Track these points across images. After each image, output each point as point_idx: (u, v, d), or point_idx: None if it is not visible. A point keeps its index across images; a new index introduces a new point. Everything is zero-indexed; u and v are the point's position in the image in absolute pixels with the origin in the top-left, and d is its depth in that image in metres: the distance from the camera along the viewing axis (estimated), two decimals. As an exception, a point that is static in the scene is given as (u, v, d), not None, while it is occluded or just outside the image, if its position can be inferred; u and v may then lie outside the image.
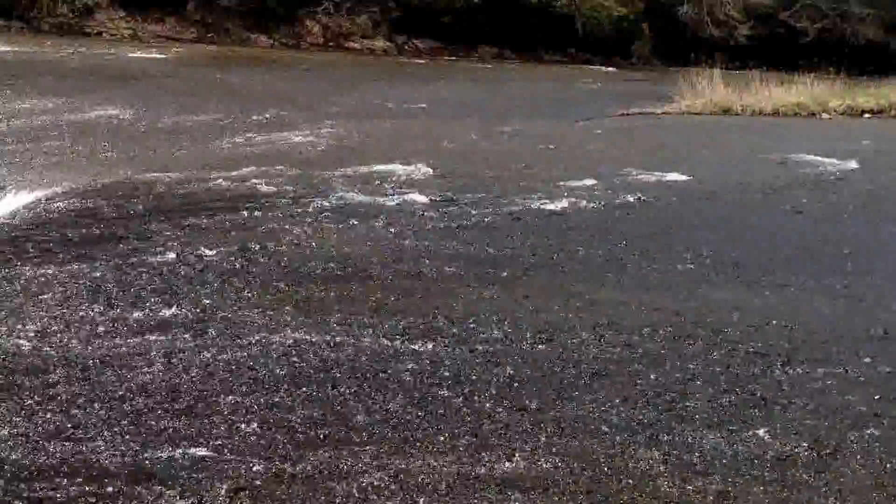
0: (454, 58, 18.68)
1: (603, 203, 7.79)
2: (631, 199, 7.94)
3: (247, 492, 3.36)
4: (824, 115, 13.86)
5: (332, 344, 4.69)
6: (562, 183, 8.40)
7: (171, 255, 6.08)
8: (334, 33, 20.64)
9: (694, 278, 5.90)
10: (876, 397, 4.21)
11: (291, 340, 4.72)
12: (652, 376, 4.41)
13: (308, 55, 18.09)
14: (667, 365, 4.53)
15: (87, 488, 3.36)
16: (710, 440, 3.80)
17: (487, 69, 17.81)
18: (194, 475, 3.46)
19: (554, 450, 3.69)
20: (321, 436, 3.77)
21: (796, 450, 3.71)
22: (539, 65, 18.09)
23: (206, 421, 3.89)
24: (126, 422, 3.84)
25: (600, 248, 6.52)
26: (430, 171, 8.81)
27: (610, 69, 18.17)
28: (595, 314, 5.18)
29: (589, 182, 8.47)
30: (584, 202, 7.80)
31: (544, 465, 3.57)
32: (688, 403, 4.14)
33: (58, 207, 7.59)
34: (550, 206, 7.64)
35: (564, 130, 11.47)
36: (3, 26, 23.88)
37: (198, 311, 5.11)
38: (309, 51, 18.37)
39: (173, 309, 5.10)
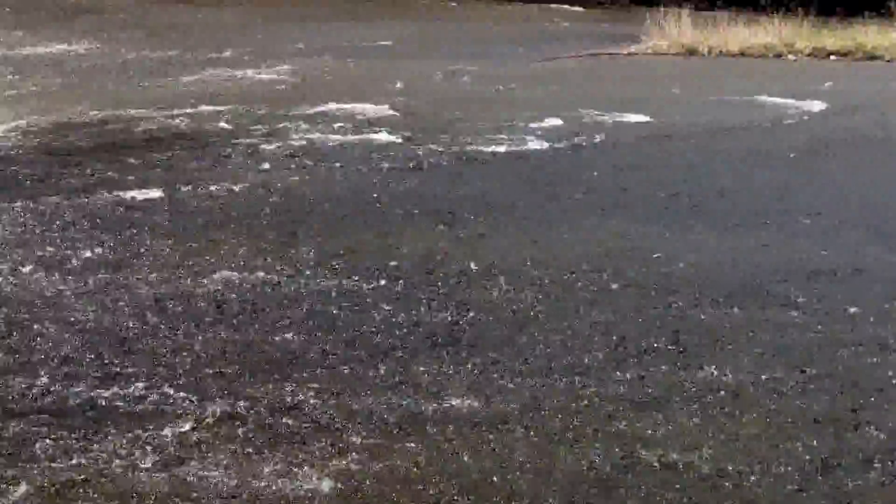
0: (421, -5, 18.45)
1: (562, 144, 7.79)
2: (589, 141, 7.94)
3: (199, 431, 3.37)
4: (790, 57, 13.84)
5: (280, 283, 4.70)
6: (523, 124, 8.38)
7: (122, 194, 6.03)
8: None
9: (645, 219, 5.93)
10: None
11: (242, 279, 4.72)
12: (593, 316, 4.46)
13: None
14: (609, 305, 4.58)
15: (30, 426, 3.35)
16: (656, 378, 3.85)
17: (453, 7, 17.60)
18: (139, 414, 3.47)
19: (504, 390, 3.73)
20: (265, 375, 3.79)
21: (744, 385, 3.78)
22: (506, 4, 17.87)
23: (146, 360, 3.89)
24: (60, 360, 3.84)
25: (557, 189, 6.53)
26: (391, 111, 8.76)
27: (577, 9, 17.98)
28: (542, 253, 5.21)
29: (550, 123, 8.45)
30: (544, 143, 7.79)
31: (496, 405, 3.60)
32: (630, 342, 4.20)
33: (8, 144, 7.49)
34: (511, 148, 7.63)
35: (529, 71, 11.40)
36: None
37: (140, 249, 5.09)
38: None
39: (117, 247, 5.09)
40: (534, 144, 7.74)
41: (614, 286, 4.79)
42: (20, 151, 7.25)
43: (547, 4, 17.89)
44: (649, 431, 3.46)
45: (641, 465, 3.26)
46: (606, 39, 14.24)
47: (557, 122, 8.47)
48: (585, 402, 3.67)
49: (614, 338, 4.23)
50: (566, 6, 17.93)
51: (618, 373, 3.90)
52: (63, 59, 11.06)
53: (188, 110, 8.52)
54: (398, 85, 10.00)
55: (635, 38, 14.05)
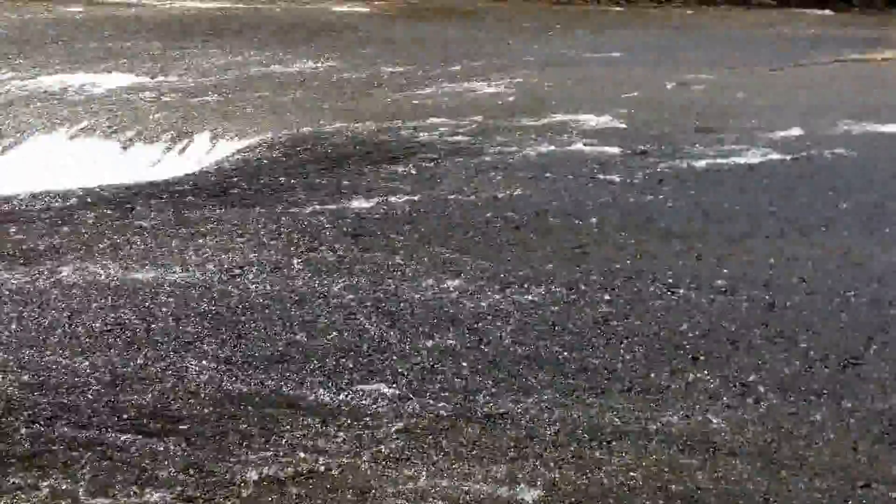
0: (654, 4, 18.06)
1: (800, 157, 7.35)
2: (834, 153, 7.43)
3: (419, 431, 3.41)
4: None
5: (500, 293, 4.69)
6: (761, 135, 7.98)
7: (358, 203, 6.24)
8: (533, -18, 20.35)
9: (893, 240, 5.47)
10: None
11: (459, 289, 4.75)
12: (823, 336, 4.13)
13: (501, 4, 18.01)
14: (842, 326, 4.24)
15: (278, 417, 3.51)
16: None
17: (690, 15, 17.11)
18: (373, 411, 3.56)
19: (723, 407, 3.54)
20: (487, 381, 3.79)
21: None
22: (748, 10, 17.15)
23: (379, 360, 3.98)
24: (302, 358, 3.98)
25: (792, 205, 6.16)
26: (619, 121, 8.59)
27: (825, 12, 16.99)
28: (764, 270, 4.92)
29: (791, 133, 8.00)
30: (783, 155, 7.39)
31: (713, 423, 3.43)
32: (868, 366, 3.86)
33: (262, 154, 7.99)
34: (746, 160, 7.28)
35: (770, 79, 10.87)
36: (221, -16, 25.21)
37: (371, 256, 5.23)
38: (503, 0, 18.30)
39: (351, 253, 5.25)
40: (770, 156, 7.34)
41: (849, 307, 4.43)
42: (264, 163, 7.70)
43: (790, 9, 17.02)
44: (888, 465, 3.15)
45: (880, 501, 2.97)
46: (857, 45, 13.34)
47: (798, 132, 8.00)
48: (810, 426, 3.40)
49: (847, 360, 3.91)
50: (812, 10, 16.98)
51: (852, 398, 3.59)
52: (308, 76, 11.65)
53: (416, 123, 8.74)
54: (626, 95, 9.81)
55: (892, 42, 13.09)
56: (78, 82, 10.68)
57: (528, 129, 8.37)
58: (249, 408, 3.59)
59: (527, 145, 7.79)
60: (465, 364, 3.97)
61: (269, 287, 4.79)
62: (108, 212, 6.06)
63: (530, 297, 4.65)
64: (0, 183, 7.92)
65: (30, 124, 9.24)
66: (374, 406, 3.62)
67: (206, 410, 3.57)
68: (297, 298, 4.65)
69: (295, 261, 5.15)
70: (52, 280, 4.84)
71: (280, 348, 4.12)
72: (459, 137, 8.17)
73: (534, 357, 4.02)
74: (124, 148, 8.98)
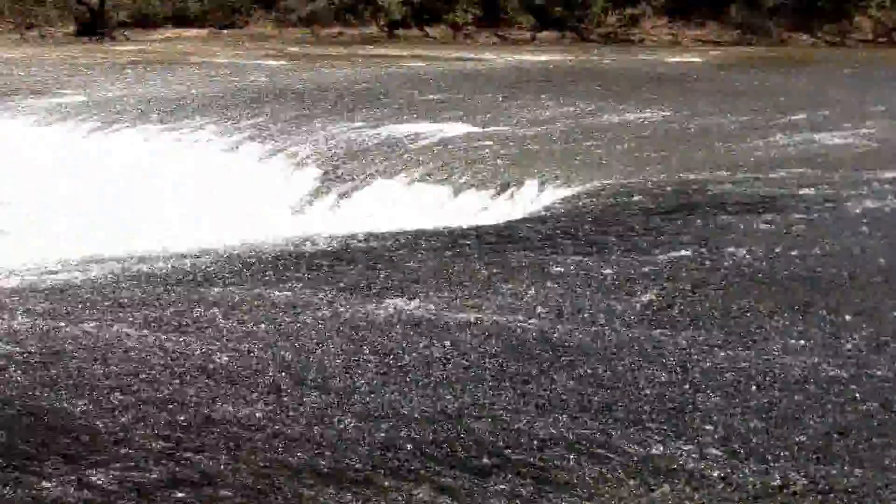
0: None
1: None
2: None
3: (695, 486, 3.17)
4: None
5: (849, 363, 4.21)
6: None
7: (684, 253, 5.96)
8: (886, 28, 18.93)
9: None
10: None
11: (801, 352, 4.34)
12: None
13: (853, 53, 16.84)
14: None
15: (589, 465, 3.39)
16: None
17: None
18: (651, 468, 3.38)
19: None
20: (767, 451, 3.41)
21: None
22: None
23: (673, 418, 3.74)
24: (616, 408, 3.79)
25: None
26: None
27: None
28: None
29: None
30: None
31: None
32: None
33: (588, 203, 7.91)
34: None
35: None
36: (557, 37, 25.92)
37: (698, 311, 4.93)
38: (855, 48, 17.08)
39: (676, 309, 4.97)
40: None
41: None
42: (588, 211, 7.61)
43: None
44: None
45: None
46: None
47: None
48: None
49: None
50: None
51: None
52: (638, 126, 11.51)
53: (755, 175, 8.27)
54: None
55: None
56: (416, 131, 11.26)
57: (881, 182, 7.63)
58: (566, 453, 3.47)
59: (874, 200, 7.09)
60: (788, 431, 3.60)
61: (585, 335, 4.63)
62: (437, 253, 6.21)
63: (827, 369, 4.14)
64: (342, 222, 8.46)
65: (373, 170, 9.83)
66: (686, 464, 3.36)
67: (524, 453, 3.47)
68: (616, 348, 4.45)
69: (612, 310, 4.96)
70: (381, 314, 4.99)
71: (595, 397, 3.94)
72: (802, 191, 7.60)
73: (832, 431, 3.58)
74: (455, 193, 9.28)
